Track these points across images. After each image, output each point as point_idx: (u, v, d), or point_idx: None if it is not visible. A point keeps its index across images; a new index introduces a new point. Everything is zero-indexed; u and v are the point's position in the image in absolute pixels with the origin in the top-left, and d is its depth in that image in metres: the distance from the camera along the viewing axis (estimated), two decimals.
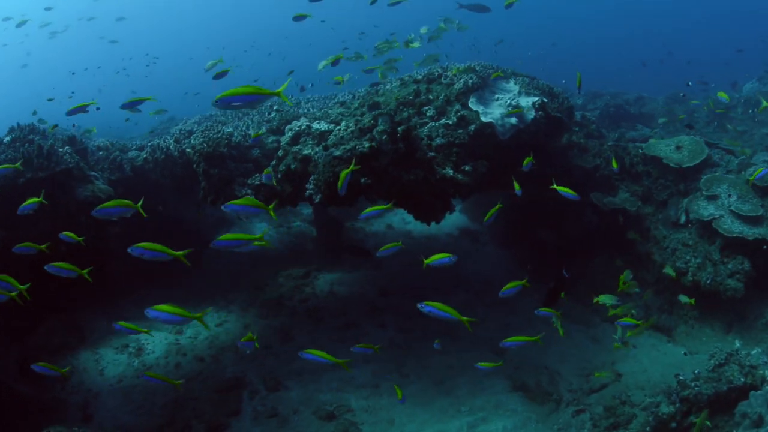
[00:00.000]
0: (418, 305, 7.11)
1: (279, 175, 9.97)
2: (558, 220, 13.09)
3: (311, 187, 9.20)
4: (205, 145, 9.98)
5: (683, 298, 10.34)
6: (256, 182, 10.00)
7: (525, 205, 13.88)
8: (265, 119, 11.33)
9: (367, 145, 8.65)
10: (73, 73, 12.88)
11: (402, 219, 17.00)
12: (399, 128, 8.96)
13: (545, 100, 11.05)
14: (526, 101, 10.82)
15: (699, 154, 12.22)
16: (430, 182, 9.28)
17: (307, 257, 14.79)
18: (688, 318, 11.56)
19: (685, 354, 10.94)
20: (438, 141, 9.74)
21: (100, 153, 11.65)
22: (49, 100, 13.76)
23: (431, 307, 7.09)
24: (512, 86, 11.16)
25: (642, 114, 16.91)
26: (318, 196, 8.92)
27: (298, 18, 11.07)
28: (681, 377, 8.82)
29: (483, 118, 10.21)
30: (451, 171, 9.49)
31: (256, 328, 12.24)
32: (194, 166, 10.27)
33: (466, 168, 9.59)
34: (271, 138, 10.79)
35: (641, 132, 15.01)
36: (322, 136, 9.68)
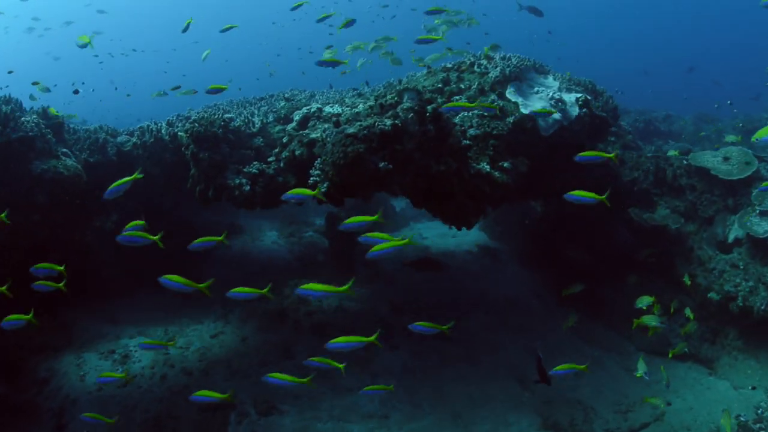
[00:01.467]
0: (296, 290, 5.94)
1: (281, 164, 7.34)
2: (589, 238, 10.40)
3: (316, 173, 6.51)
4: (196, 124, 7.29)
5: (687, 312, 8.68)
6: (254, 171, 7.36)
7: (552, 220, 11.31)
8: (273, 109, 8.75)
9: (389, 122, 5.97)
10: (51, 89, 10.46)
11: (419, 234, 14.29)
12: (428, 107, 6.28)
13: (589, 97, 8.43)
14: (568, 97, 8.18)
15: (749, 165, 9.48)
16: (463, 178, 6.63)
17: (318, 269, 12.13)
18: (732, 348, 9.15)
19: (753, 388, 8.42)
20: (472, 132, 7.09)
21: (85, 135, 9.08)
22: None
23: (308, 290, 5.89)
24: (551, 81, 8.52)
25: (671, 132, 14.36)
26: (325, 185, 6.23)
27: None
28: (742, 418, 7.48)
29: (523, 110, 7.56)
30: (488, 167, 6.83)
31: (254, 342, 9.62)
32: (183, 149, 7.68)
33: (505, 165, 6.91)
34: (278, 127, 8.07)
35: (677, 145, 12.36)
36: (336, 120, 7.05)
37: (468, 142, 6.85)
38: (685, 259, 9.65)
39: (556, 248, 10.67)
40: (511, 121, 7.38)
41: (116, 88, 9.51)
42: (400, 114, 6.06)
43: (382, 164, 5.81)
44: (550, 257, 10.98)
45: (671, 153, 10.49)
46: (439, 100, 7.48)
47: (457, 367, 9.02)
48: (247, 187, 7.20)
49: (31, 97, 9.03)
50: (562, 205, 10.77)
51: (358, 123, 5.94)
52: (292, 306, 10.62)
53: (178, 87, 10.23)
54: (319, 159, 6.41)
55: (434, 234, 14.29)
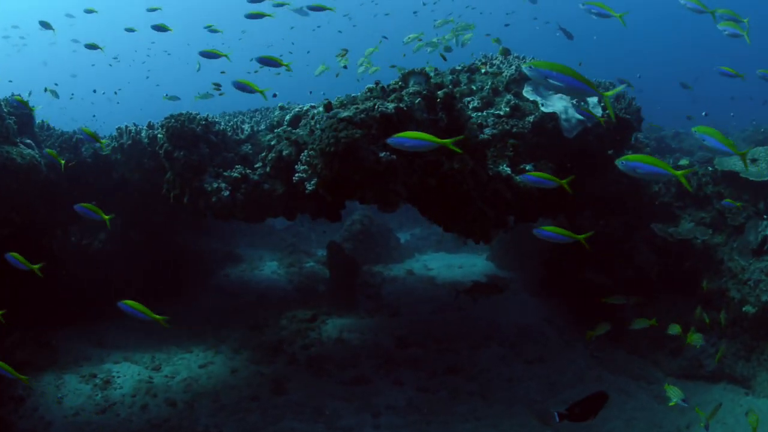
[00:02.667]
0: None
1: (268, 169, 5.94)
2: (607, 260, 8.87)
3: (302, 167, 5.04)
4: (172, 120, 5.89)
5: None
6: (236, 175, 5.92)
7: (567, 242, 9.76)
8: (267, 119, 7.38)
9: (391, 106, 4.58)
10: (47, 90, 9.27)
11: (424, 265, 12.73)
12: (439, 92, 4.92)
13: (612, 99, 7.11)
14: (591, 98, 6.87)
15: None
16: (481, 180, 5.19)
17: (318, 300, 10.61)
18: None
19: None
20: (488, 131, 5.71)
21: (59, 133, 7.66)
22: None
23: None
24: None
25: (682, 149, 12.89)
26: (312, 181, 4.73)
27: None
28: None
29: (543, 109, 6.20)
30: (508, 169, 5.43)
31: (245, 374, 8.09)
32: (157, 148, 6.27)
33: (527, 167, 5.51)
34: (270, 135, 6.75)
35: (696, 157, 10.89)
36: (327, 102, 5.57)
37: (486, 136, 5.43)
38: (715, 273, 8.07)
39: (572, 273, 9.14)
40: (531, 120, 5.98)
41: (94, 91, 8.32)
42: (405, 98, 4.67)
43: (383, 154, 4.37)
44: (565, 283, 9.44)
45: (682, 162, 9.12)
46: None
47: (469, 403, 7.42)
48: (227, 193, 5.69)
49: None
50: (578, 224, 9.42)
51: (355, 106, 4.56)
52: (288, 338, 9.11)
53: (219, 86, 8.96)
54: (305, 151, 4.98)
55: (440, 265, 12.76)
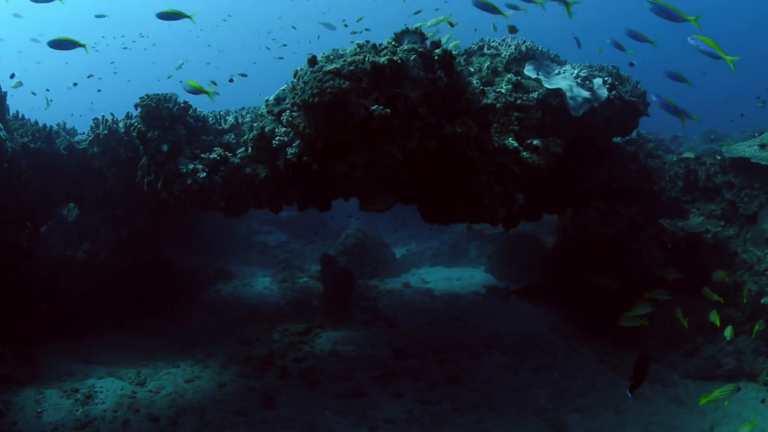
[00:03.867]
0: None
1: (249, 150, 5.17)
2: (613, 261, 8.07)
3: (282, 130, 4.27)
4: (147, 98, 5.17)
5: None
6: (214, 156, 5.15)
7: (571, 245, 9.03)
8: (253, 113, 6.63)
9: (384, 59, 3.91)
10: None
11: (421, 278, 11.87)
12: (436, 50, 4.23)
13: (616, 82, 6.42)
14: (595, 80, 6.19)
15: None
16: (486, 149, 4.43)
17: (311, 314, 9.74)
18: None
19: None
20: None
21: (34, 122, 6.83)
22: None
23: None
24: (569, 69, 6.51)
25: (681, 152, 12.33)
26: (295, 144, 3.99)
27: None
28: None
29: (547, 85, 5.50)
30: (515, 142, 4.69)
31: (233, 389, 7.18)
32: (131, 129, 5.48)
33: (535, 142, 4.78)
34: (256, 124, 6.02)
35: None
36: (311, 57, 4.79)
37: (490, 101, 4.70)
38: (728, 267, 7.29)
39: (576, 277, 8.33)
40: (535, 96, 5.28)
41: (75, 84, 7.69)
42: (400, 53, 3.96)
43: (375, 107, 3.63)
44: (568, 288, 8.61)
45: (687, 155, 8.46)
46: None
47: (474, 414, 6.53)
48: (203, 174, 4.93)
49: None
50: (583, 224, 8.67)
51: (342, 60, 3.82)
52: (279, 352, 8.23)
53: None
54: (286, 113, 4.20)
55: (437, 278, 11.91)
